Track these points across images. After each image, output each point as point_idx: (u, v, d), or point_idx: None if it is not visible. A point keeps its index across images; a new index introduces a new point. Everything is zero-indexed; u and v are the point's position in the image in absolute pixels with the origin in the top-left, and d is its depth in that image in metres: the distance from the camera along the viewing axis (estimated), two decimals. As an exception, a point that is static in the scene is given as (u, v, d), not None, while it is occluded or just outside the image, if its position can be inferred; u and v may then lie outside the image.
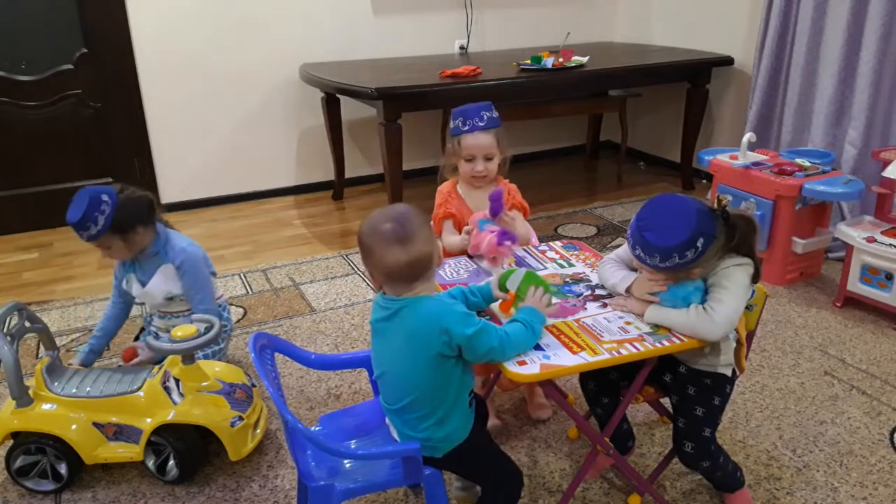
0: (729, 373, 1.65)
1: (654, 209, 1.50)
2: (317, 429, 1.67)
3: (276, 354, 1.62)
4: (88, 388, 1.92)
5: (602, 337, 1.49)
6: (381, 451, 1.53)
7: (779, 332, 2.64)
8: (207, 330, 1.89)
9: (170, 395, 1.90)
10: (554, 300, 1.57)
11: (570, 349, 1.45)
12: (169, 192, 4.08)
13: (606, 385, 1.75)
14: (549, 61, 3.71)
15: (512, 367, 1.39)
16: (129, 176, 3.90)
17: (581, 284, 1.75)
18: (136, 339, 2.35)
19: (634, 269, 1.64)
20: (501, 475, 1.55)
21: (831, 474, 1.90)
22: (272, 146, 4.28)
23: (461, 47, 4.49)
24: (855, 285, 2.75)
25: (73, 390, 1.92)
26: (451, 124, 2.07)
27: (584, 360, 1.42)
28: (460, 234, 2.02)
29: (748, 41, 3.91)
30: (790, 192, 2.86)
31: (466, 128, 2.02)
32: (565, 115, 4.60)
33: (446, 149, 2.12)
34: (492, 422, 2.05)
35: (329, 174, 4.35)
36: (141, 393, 1.90)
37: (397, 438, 1.51)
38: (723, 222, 1.49)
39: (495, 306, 1.60)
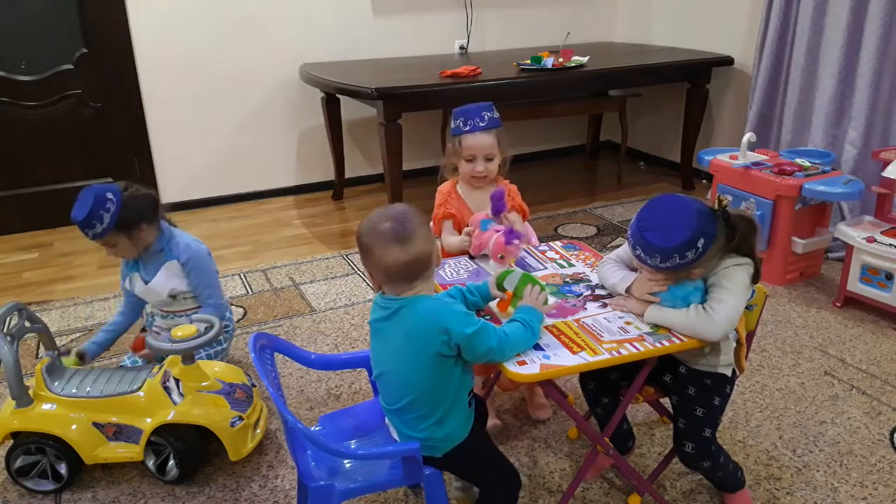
0: (729, 373, 1.65)
1: (654, 209, 1.51)
2: (317, 429, 1.67)
3: (276, 354, 1.62)
4: (88, 388, 1.92)
5: (602, 337, 1.49)
6: (380, 451, 1.53)
7: (779, 332, 2.64)
8: (207, 330, 1.89)
9: (170, 395, 1.90)
10: (551, 299, 1.57)
11: (570, 349, 1.45)
12: (169, 192, 4.08)
13: (606, 385, 1.75)
14: (549, 61, 3.71)
15: (512, 367, 1.39)
16: (129, 176, 3.86)
17: (581, 284, 1.75)
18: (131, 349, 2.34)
19: (634, 269, 1.64)
20: (501, 475, 1.55)
21: (831, 474, 1.90)
22: (272, 146, 4.28)
23: (461, 47, 4.49)
24: (855, 285, 2.75)
25: (73, 390, 1.92)
26: (452, 124, 2.06)
27: (584, 360, 1.42)
28: (460, 234, 2.02)
29: (748, 41, 3.91)
30: (790, 192, 2.86)
31: (467, 128, 2.02)
32: (565, 115, 4.60)
33: (447, 149, 2.12)
34: (492, 422, 2.05)
35: (329, 174, 4.35)
36: (141, 393, 1.90)
37: (397, 438, 1.51)
38: (723, 222, 1.49)
39: (494, 305, 1.60)
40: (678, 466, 1.86)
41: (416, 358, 1.41)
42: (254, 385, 2.08)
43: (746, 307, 1.61)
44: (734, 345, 1.63)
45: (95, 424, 1.91)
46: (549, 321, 1.54)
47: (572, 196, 4.28)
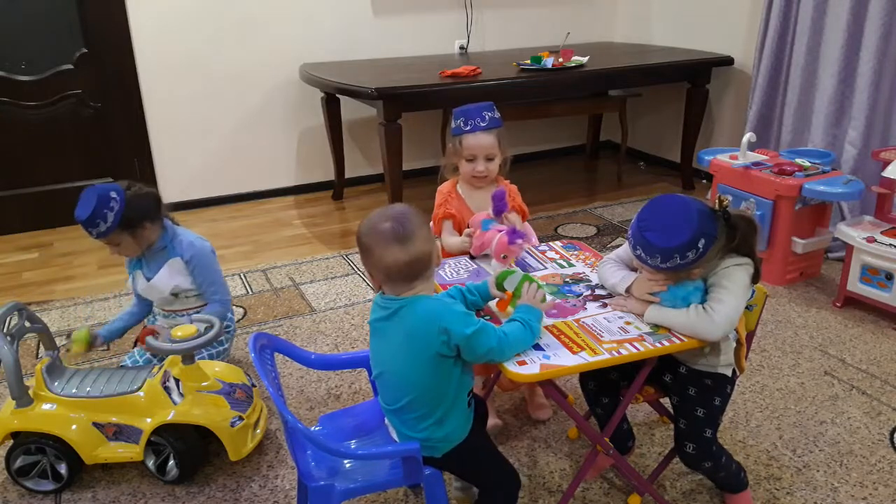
0: (729, 373, 1.65)
1: (655, 210, 1.51)
2: (317, 429, 1.67)
3: (276, 354, 1.62)
4: (88, 388, 1.92)
5: (602, 337, 1.49)
6: (380, 451, 1.52)
7: (779, 332, 2.64)
8: (207, 330, 1.89)
9: (170, 395, 1.90)
10: (549, 297, 1.57)
11: (570, 349, 1.45)
12: (169, 192, 4.08)
13: (606, 385, 1.75)
14: (549, 61, 3.71)
15: (512, 367, 1.39)
16: (129, 176, 3.83)
17: (581, 284, 1.75)
18: (137, 342, 2.34)
19: (634, 269, 1.64)
20: (500, 475, 1.55)
21: (831, 474, 1.90)
22: (272, 146, 4.28)
23: (461, 47, 4.49)
24: (855, 285, 2.75)
25: (73, 390, 1.92)
26: (453, 124, 2.06)
27: (584, 360, 1.42)
28: (460, 234, 2.02)
29: (748, 41, 3.91)
30: (790, 192, 2.86)
31: (468, 128, 2.02)
32: (565, 115, 4.60)
33: (447, 148, 2.12)
34: (493, 421, 2.05)
35: (329, 174, 4.35)
36: (141, 393, 1.90)
37: (396, 439, 1.51)
38: (724, 223, 1.49)
39: (493, 305, 1.60)
40: (678, 466, 1.86)
41: (415, 358, 1.41)
42: (254, 385, 2.08)
43: (746, 307, 1.61)
44: (734, 345, 1.63)
45: (95, 424, 1.91)
46: (549, 321, 1.54)
47: (572, 196, 4.28)
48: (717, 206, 1.50)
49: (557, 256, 1.94)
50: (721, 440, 1.67)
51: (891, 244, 2.60)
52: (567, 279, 1.79)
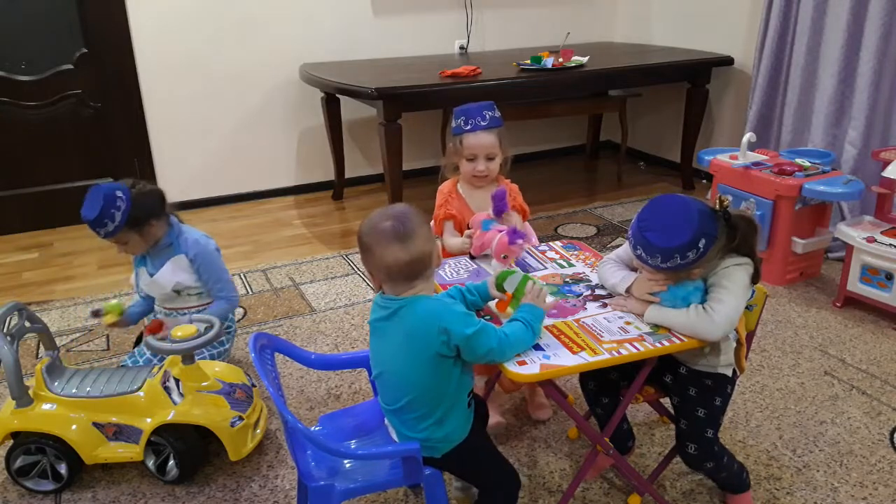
0: (729, 373, 1.65)
1: (655, 209, 1.51)
2: (317, 429, 1.67)
3: (276, 354, 1.62)
4: (88, 388, 1.92)
5: (602, 337, 1.49)
6: (381, 451, 1.52)
7: (779, 332, 2.64)
8: (207, 330, 1.88)
9: (170, 395, 1.89)
10: (550, 298, 1.57)
11: (570, 349, 1.45)
12: (169, 192, 3.95)
13: (606, 385, 1.75)
14: (549, 61, 3.71)
15: (512, 367, 1.39)
16: (129, 176, 3.88)
17: (581, 284, 1.75)
18: (138, 341, 2.34)
19: (635, 270, 1.64)
20: (500, 476, 1.55)
21: (831, 474, 1.90)
22: (272, 146, 4.28)
23: (461, 47, 4.49)
24: (855, 285, 2.75)
25: (73, 390, 1.92)
26: (453, 123, 2.06)
27: (584, 360, 1.41)
28: (460, 234, 2.02)
29: (748, 41, 3.91)
30: (790, 192, 2.86)
31: (468, 127, 2.02)
32: (565, 115, 4.60)
33: (448, 148, 2.12)
34: (496, 419, 2.05)
35: (329, 174, 4.35)
36: (141, 393, 1.90)
37: (396, 439, 1.51)
38: (724, 223, 1.49)
39: (493, 305, 1.59)
40: (678, 466, 1.86)
41: (415, 358, 1.40)
42: (254, 385, 2.08)
43: (746, 307, 1.61)
44: (734, 345, 1.63)
45: (95, 424, 1.90)
46: (549, 321, 1.54)
47: (572, 196, 4.28)
48: (717, 206, 1.50)
49: (557, 256, 1.94)
50: (721, 440, 1.67)
51: (891, 244, 2.60)
52: (567, 279, 1.79)
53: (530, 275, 1.56)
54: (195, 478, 1.94)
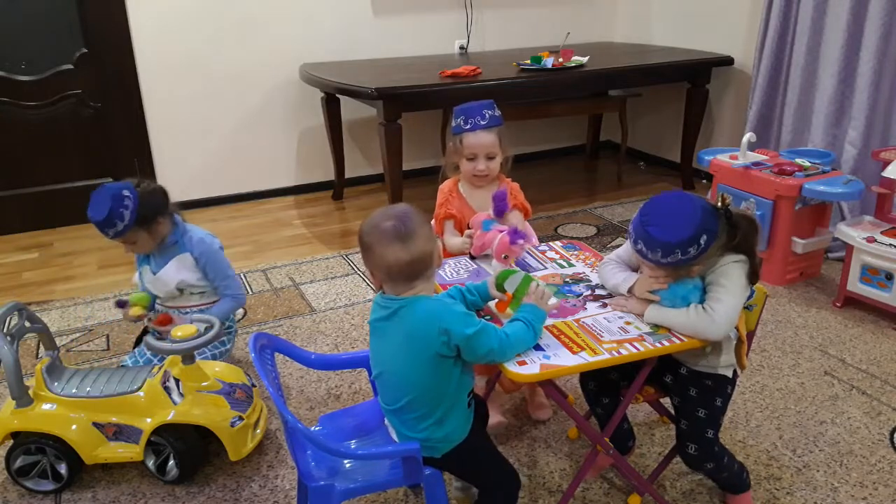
0: (730, 373, 1.65)
1: (658, 205, 1.50)
2: (317, 429, 1.67)
3: (276, 354, 1.62)
4: (88, 388, 1.92)
5: (602, 337, 1.49)
6: (381, 451, 1.52)
7: (779, 332, 2.64)
8: (207, 330, 1.88)
9: (170, 395, 1.89)
10: (553, 299, 1.57)
11: (570, 349, 1.45)
12: (169, 191, 4.07)
13: (606, 385, 1.74)
14: (549, 61, 3.71)
15: (512, 367, 1.39)
16: (129, 176, 3.89)
17: (581, 284, 1.75)
18: (138, 341, 2.34)
19: (635, 270, 1.64)
20: (500, 476, 1.55)
21: (831, 474, 1.90)
22: (272, 146, 4.28)
23: (461, 47, 4.49)
24: (855, 285, 2.75)
25: (73, 390, 1.92)
26: (453, 122, 2.06)
27: (584, 360, 1.41)
28: (461, 234, 2.02)
29: (748, 41, 3.91)
30: (790, 192, 2.86)
31: (468, 126, 2.02)
32: (565, 115, 4.60)
33: (448, 147, 2.12)
34: (497, 419, 2.05)
35: (329, 174, 4.35)
36: (141, 393, 1.90)
37: (396, 439, 1.51)
38: (725, 221, 1.49)
39: (493, 305, 1.59)
40: (678, 466, 1.86)
41: (415, 358, 1.40)
42: (254, 385, 2.08)
43: (747, 307, 1.61)
44: (735, 343, 1.63)
45: (95, 424, 1.90)
46: (549, 321, 1.54)
47: (572, 196, 4.28)
48: (719, 205, 1.50)
49: (557, 256, 1.94)
50: (721, 440, 1.67)
51: (891, 244, 2.60)
52: (567, 279, 1.79)
53: (531, 275, 1.56)
54: (195, 478, 1.94)
